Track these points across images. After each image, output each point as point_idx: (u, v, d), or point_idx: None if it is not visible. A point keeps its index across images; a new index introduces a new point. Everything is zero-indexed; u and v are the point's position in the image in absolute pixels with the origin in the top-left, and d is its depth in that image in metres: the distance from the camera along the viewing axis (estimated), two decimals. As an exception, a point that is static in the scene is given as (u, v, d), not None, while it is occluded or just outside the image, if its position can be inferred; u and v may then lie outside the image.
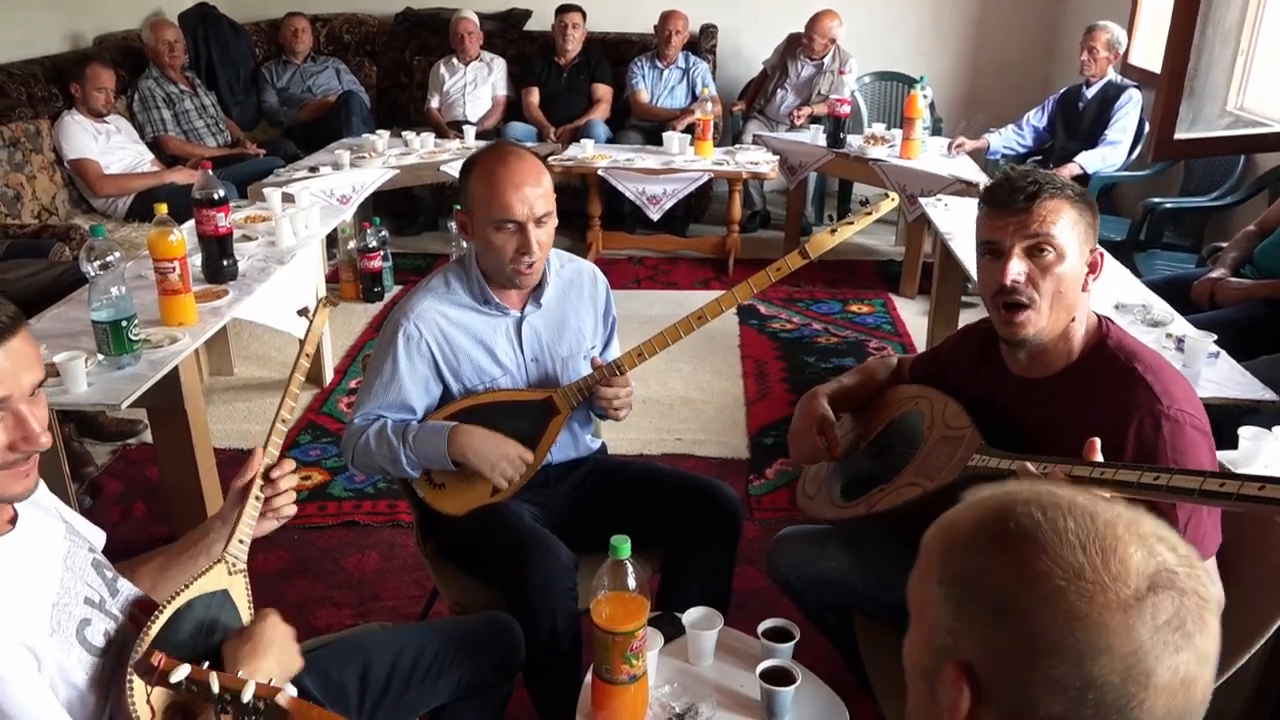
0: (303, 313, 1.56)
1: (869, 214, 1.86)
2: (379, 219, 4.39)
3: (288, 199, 3.39)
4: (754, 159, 4.66)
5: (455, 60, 5.40)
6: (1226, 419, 1.85)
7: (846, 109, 4.60)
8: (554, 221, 1.79)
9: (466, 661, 1.54)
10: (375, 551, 2.60)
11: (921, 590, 0.75)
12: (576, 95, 5.40)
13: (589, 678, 1.46)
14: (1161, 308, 2.49)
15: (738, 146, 5.01)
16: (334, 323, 3.87)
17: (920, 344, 3.89)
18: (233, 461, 2.78)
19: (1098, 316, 1.49)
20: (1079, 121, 4.39)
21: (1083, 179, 4.05)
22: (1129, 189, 4.55)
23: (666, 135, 4.76)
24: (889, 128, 4.72)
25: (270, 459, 1.37)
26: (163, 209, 2.35)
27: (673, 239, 5.02)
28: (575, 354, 1.93)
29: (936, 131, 5.00)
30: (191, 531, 1.38)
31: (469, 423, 1.80)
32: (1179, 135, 3.43)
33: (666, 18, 5.26)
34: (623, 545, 1.39)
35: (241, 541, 1.31)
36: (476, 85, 5.40)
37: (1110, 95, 4.29)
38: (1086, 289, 1.44)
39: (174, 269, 2.31)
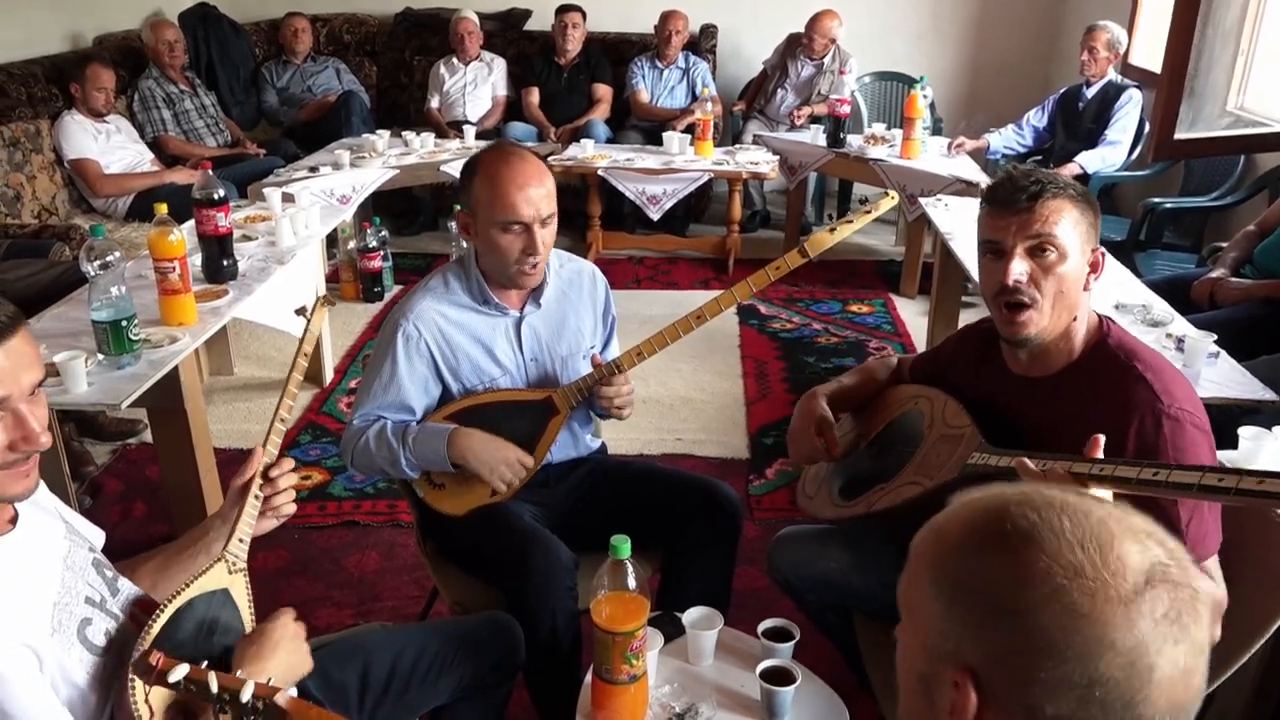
0: (300, 312, 1.56)
1: (868, 212, 1.86)
2: (379, 219, 4.39)
3: (288, 199, 3.39)
4: (754, 159, 4.66)
5: (455, 60, 5.40)
6: (1227, 419, 1.86)
7: (846, 109, 4.60)
8: (556, 221, 1.79)
9: (467, 661, 1.54)
10: (375, 551, 2.60)
11: (914, 596, 0.75)
12: (576, 95, 5.40)
13: (589, 678, 1.46)
14: (1161, 308, 2.49)
15: (738, 146, 5.01)
16: (334, 323, 3.87)
17: (920, 344, 3.89)
18: (233, 461, 2.78)
19: (1098, 316, 1.49)
20: (1079, 121, 4.39)
21: (1083, 179, 4.04)
22: (1129, 189, 4.55)
23: (666, 135, 4.76)
24: (889, 128, 4.72)
25: (269, 458, 1.37)
26: (163, 209, 2.35)
27: (673, 239, 5.02)
28: (575, 354, 1.93)
29: (937, 131, 5.01)
30: (191, 530, 1.38)
31: (468, 423, 1.80)
32: (1179, 135, 3.43)
33: (666, 18, 5.27)
34: (623, 545, 1.39)
35: (241, 540, 1.31)
36: (476, 85, 5.40)
37: (1110, 95, 4.29)
38: (1088, 289, 1.44)
39: (174, 269, 2.31)
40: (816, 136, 4.75)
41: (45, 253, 3.18)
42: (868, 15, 5.59)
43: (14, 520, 1.14)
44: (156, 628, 1.14)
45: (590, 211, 4.82)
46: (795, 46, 5.22)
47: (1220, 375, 2.14)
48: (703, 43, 5.59)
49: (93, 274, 2.09)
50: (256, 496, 1.35)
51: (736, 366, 3.73)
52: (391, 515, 2.75)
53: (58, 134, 4.14)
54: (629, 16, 5.67)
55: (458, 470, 1.78)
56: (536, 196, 1.72)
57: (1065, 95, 4.50)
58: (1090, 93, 4.37)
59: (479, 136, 4.90)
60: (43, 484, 1.18)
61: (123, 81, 4.60)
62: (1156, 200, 3.85)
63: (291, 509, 1.40)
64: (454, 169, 4.33)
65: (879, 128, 4.68)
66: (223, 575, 1.27)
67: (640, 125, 5.30)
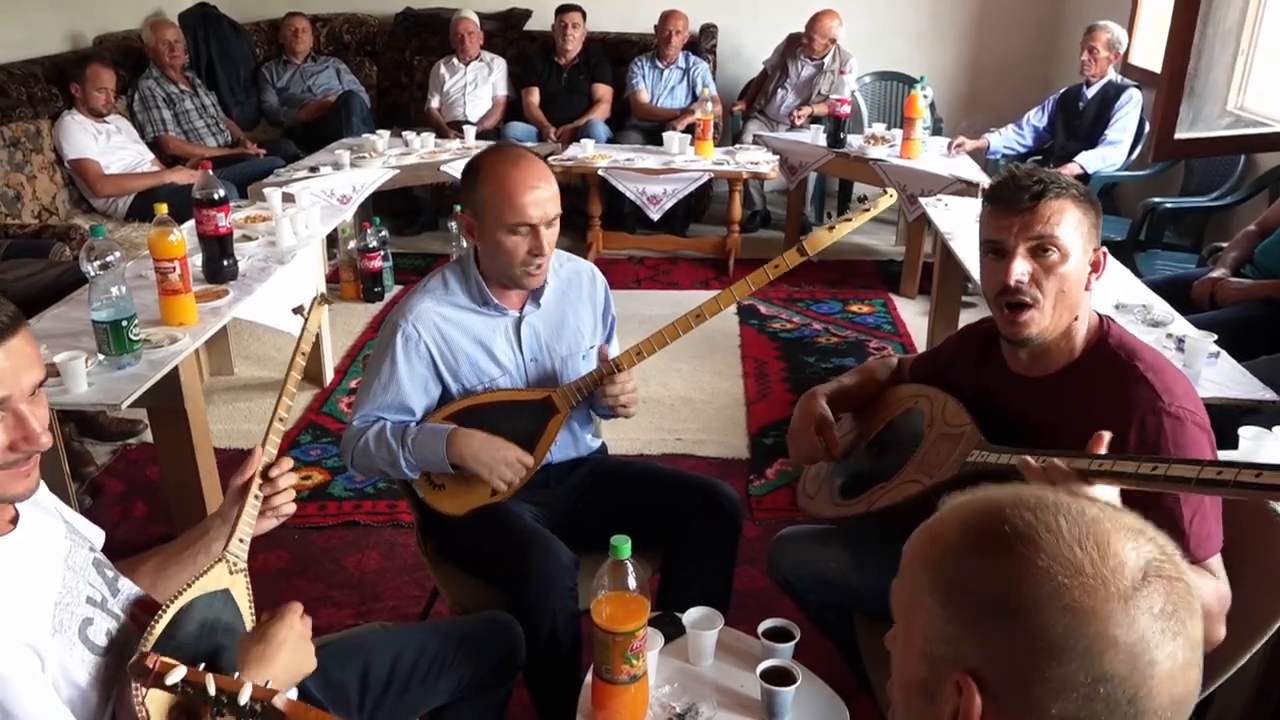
0: (298, 310, 1.56)
1: (866, 210, 1.86)
2: (379, 219, 4.39)
3: (288, 199, 3.39)
4: (754, 159, 4.66)
5: (455, 60, 5.40)
6: (1227, 419, 1.85)
7: (847, 109, 4.60)
8: (559, 222, 1.79)
9: (467, 661, 1.54)
10: (376, 551, 2.60)
11: (909, 601, 0.75)
12: (577, 95, 5.40)
13: (589, 678, 1.46)
14: (1162, 308, 2.49)
15: (738, 146, 5.01)
16: (334, 323, 3.88)
17: (921, 344, 3.89)
18: (233, 461, 2.78)
19: (1099, 315, 1.49)
20: (1079, 121, 4.39)
21: (1083, 179, 4.03)
22: (1129, 189, 4.55)
23: (667, 135, 4.76)
24: (889, 127, 4.72)
25: (269, 457, 1.37)
26: (163, 209, 2.35)
27: (673, 239, 5.02)
28: (574, 354, 1.92)
29: (937, 131, 5.01)
30: (191, 530, 1.37)
31: (468, 423, 1.80)
32: (1179, 135, 3.43)
33: (666, 18, 5.27)
34: (623, 545, 1.39)
35: (241, 540, 1.31)
36: (477, 85, 5.40)
37: (1110, 95, 4.29)
38: (1089, 288, 1.44)
39: (174, 269, 2.31)
40: (817, 136, 4.76)
41: (45, 253, 3.18)
42: (868, 15, 5.59)
43: (15, 520, 1.14)
44: (159, 629, 1.14)
45: (590, 211, 4.82)
46: (795, 46, 5.22)
47: (1220, 375, 2.14)
48: (703, 43, 5.59)
49: (93, 274, 2.09)
50: (256, 496, 1.34)
51: (737, 366, 3.73)
52: (392, 515, 2.75)
53: (58, 134, 4.14)
54: (629, 16, 5.67)
55: (457, 471, 1.78)
56: (544, 198, 1.72)
57: (1065, 95, 4.50)
58: (1090, 93, 4.37)
59: (479, 136, 4.90)
60: (43, 484, 1.18)
61: (123, 81, 4.60)
62: (1157, 200, 3.85)
63: (292, 509, 1.40)
64: (454, 169, 4.33)
65: (879, 128, 4.68)
66: (223, 575, 1.27)
67: (640, 125, 5.30)
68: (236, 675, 1.04)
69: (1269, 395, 2.06)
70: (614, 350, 2.00)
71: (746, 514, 2.07)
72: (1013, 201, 1.40)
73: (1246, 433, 1.80)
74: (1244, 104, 3.96)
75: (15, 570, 1.10)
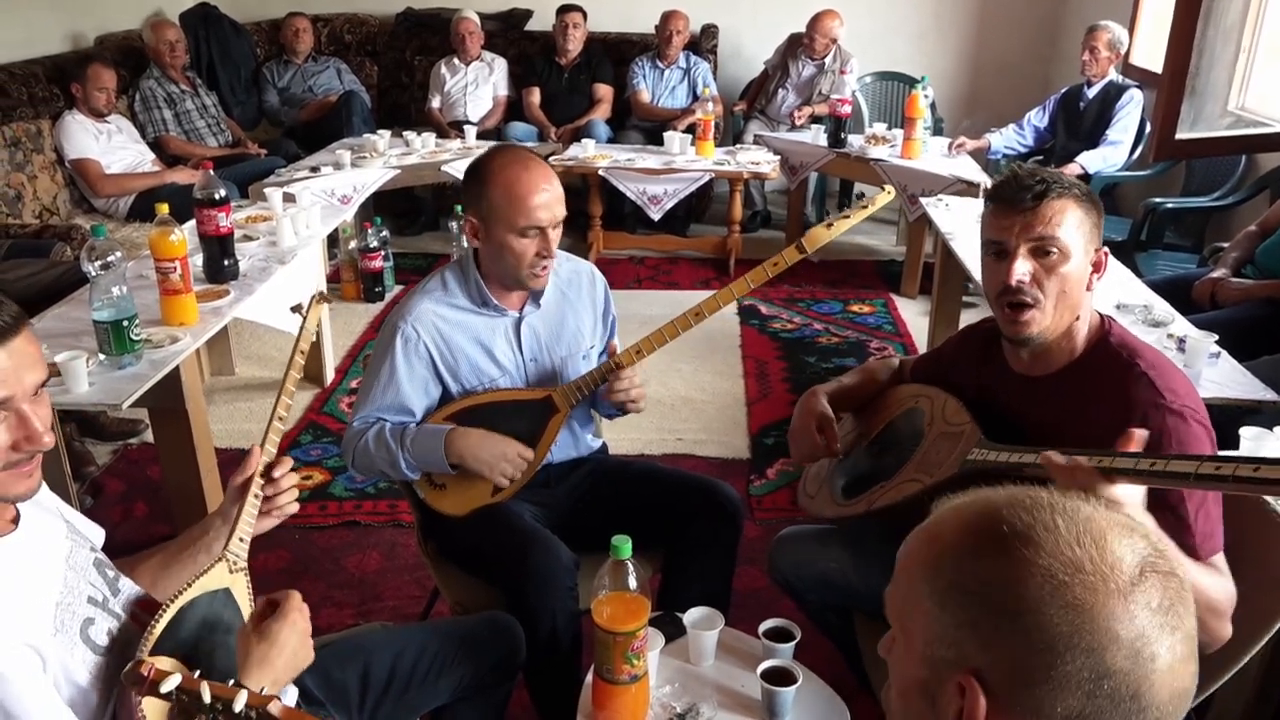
0: (296, 309, 1.56)
1: (865, 207, 1.86)
2: (380, 219, 4.39)
3: (289, 199, 3.39)
4: (755, 159, 4.66)
5: (456, 60, 5.40)
6: (1228, 419, 1.85)
7: (848, 109, 4.60)
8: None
9: (467, 661, 1.54)
10: (376, 551, 2.60)
11: (907, 605, 0.75)
12: (577, 95, 5.40)
13: (590, 677, 1.46)
14: (1163, 308, 2.49)
15: (739, 146, 5.01)
16: (335, 323, 3.88)
17: (921, 344, 3.89)
18: (234, 461, 2.77)
19: (1100, 315, 1.49)
20: (1080, 121, 4.39)
21: (1084, 179, 4.03)
22: (1130, 189, 4.55)
23: (667, 135, 4.76)
24: (890, 127, 4.72)
25: (269, 457, 1.37)
26: (164, 209, 2.35)
27: (674, 239, 5.02)
28: (574, 354, 1.92)
29: (938, 131, 5.01)
30: (190, 529, 1.37)
31: (468, 423, 1.80)
32: (1180, 135, 3.43)
33: (667, 18, 5.27)
34: (624, 545, 1.39)
35: (242, 539, 1.31)
36: (477, 85, 5.40)
37: (1111, 95, 4.29)
38: (1090, 288, 1.44)
39: (175, 269, 2.31)
40: (817, 136, 4.76)
41: (46, 253, 3.18)
42: (869, 15, 5.59)
43: (16, 520, 1.14)
44: (159, 628, 1.14)
45: (591, 211, 4.82)
46: (796, 46, 5.22)
47: (1221, 375, 2.14)
48: (704, 43, 5.59)
49: (94, 274, 2.09)
50: (256, 495, 1.34)
51: (737, 366, 3.73)
52: (392, 515, 2.75)
53: (59, 134, 4.14)
54: (630, 16, 5.67)
55: (457, 471, 1.78)
56: (553, 200, 1.73)
57: (1066, 95, 4.50)
58: (1091, 93, 4.37)
59: (480, 136, 4.91)
60: (44, 484, 1.19)
61: (124, 81, 4.61)
62: (1158, 200, 3.85)
63: (295, 508, 1.40)
64: (455, 169, 4.34)
65: (880, 128, 4.68)
66: (223, 575, 1.27)
67: (641, 125, 5.30)
68: (231, 682, 1.03)
69: (1270, 395, 2.06)
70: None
71: (747, 514, 2.07)
72: (1015, 201, 1.40)
73: (1247, 433, 1.80)
74: (1245, 104, 3.96)
75: (17, 570, 1.10)
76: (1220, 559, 1.33)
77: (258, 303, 2.66)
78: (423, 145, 4.60)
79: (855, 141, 4.64)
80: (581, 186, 4.88)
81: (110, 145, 4.25)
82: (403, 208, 5.20)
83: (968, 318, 3.54)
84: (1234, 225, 3.69)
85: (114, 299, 2.09)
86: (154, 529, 2.67)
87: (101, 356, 2.13)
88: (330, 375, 3.57)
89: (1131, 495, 1.14)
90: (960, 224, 3.27)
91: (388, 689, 1.47)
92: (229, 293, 2.59)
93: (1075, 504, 0.72)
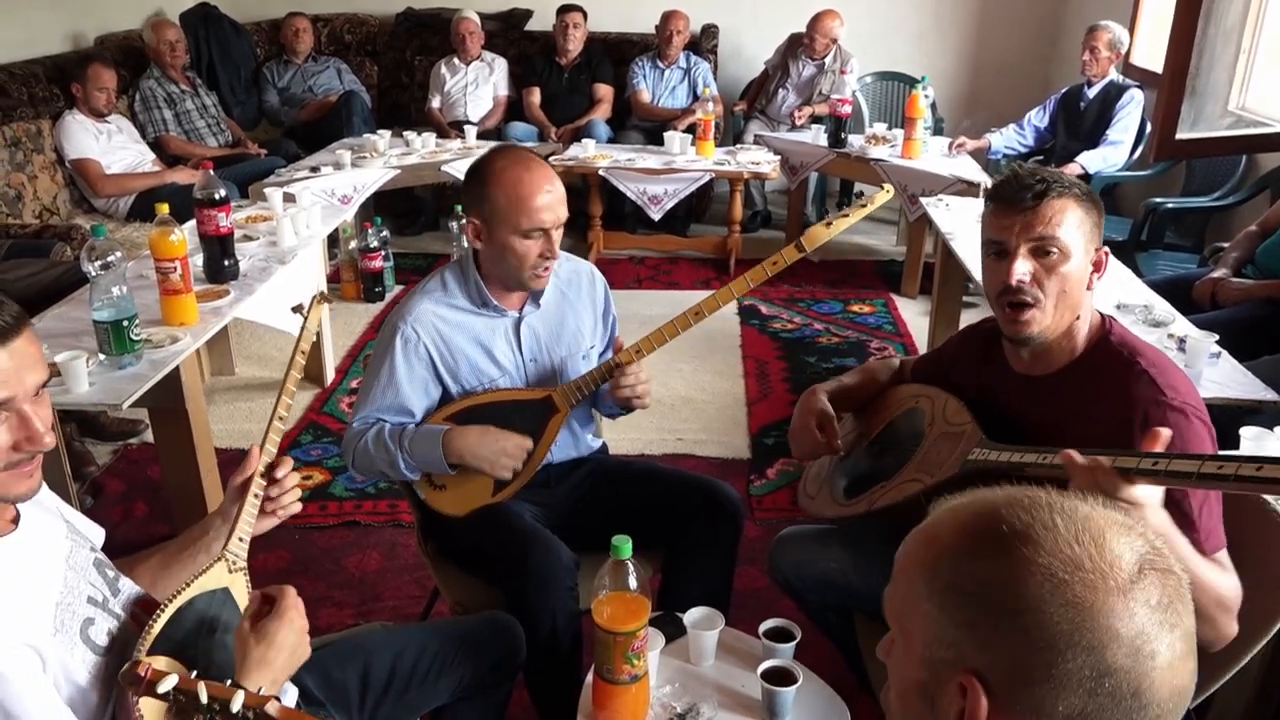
0: (297, 309, 1.56)
1: (864, 206, 1.85)
2: (380, 219, 4.39)
3: (289, 199, 3.39)
4: (755, 159, 4.65)
5: (456, 60, 5.40)
6: (1228, 419, 1.85)
7: (848, 109, 4.60)
8: None
9: (467, 661, 1.54)
10: (376, 551, 2.60)
11: (906, 606, 0.75)
12: (578, 95, 5.40)
13: (590, 677, 1.46)
14: (1163, 308, 2.49)
15: (739, 146, 5.01)
16: (335, 323, 3.88)
17: (922, 344, 3.89)
18: (234, 461, 2.77)
19: (1100, 314, 1.49)
20: (1080, 121, 4.39)
21: (1084, 179, 4.03)
22: (1131, 189, 4.55)
23: (668, 135, 4.76)
24: (890, 127, 4.73)
25: (269, 457, 1.37)
26: (164, 209, 2.35)
27: (674, 239, 5.02)
28: (574, 354, 1.92)
29: (938, 131, 5.01)
30: (190, 529, 1.37)
31: (468, 424, 1.80)
32: (1181, 135, 3.43)
33: (667, 18, 5.27)
34: (624, 545, 1.39)
35: (241, 539, 1.31)
36: (478, 85, 5.40)
37: (1112, 95, 4.29)
38: (1091, 288, 1.44)
39: (175, 269, 2.31)
40: (818, 136, 4.76)
41: (46, 253, 3.18)
42: (869, 15, 5.59)
43: (16, 520, 1.14)
44: (157, 627, 1.14)
45: (591, 211, 4.82)
46: (796, 46, 5.22)
47: (1222, 375, 2.14)
48: (704, 43, 5.59)
49: (94, 274, 2.09)
50: (256, 495, 1.34)
51: (738, 366, 3.73)
52: (392, 515, 2.75)
53: (59, 134, 4.14)
54: (630, 16, 5.67)
55: (457, 470, 1.78)
56: (555, 202, 1.73)
57: (1066, 95, 4.50)
58: (1092, 93, 4.37)
59: (480, 136, 4.91)
60: (44, 484, 1.18)
61: (124, 81, 4.61)
62: (1158, 200, 3.85)
63: (297, 507, 1.40)
64: (455, 169, 4.34)
65: (880, 128, 4.68)
66: (223, 574, 1.27)
67: (641, 125, 5.30)
68: (229, 682, 1.03)
69: (1270, 395, 2.06)
70: (616, 350, 2.01)
71: (747, 514, 2.07)
72: (1015, 201, 1.40)
73: (1248, 433, 1.80)
74: (1245, 104, 3.96)
75: (17, 570, 1.10)
76: (1224, 555, 1.33)
77: (258, 303, 2.66)
78: (423, 145, 4.60)
79: (855, 141, 4.64)
80: (582, 186, 4.88)
81: (110, 145, 4.25)
82: (403, 208, 5.20)
83: (968, 318, 3.54)
84: (1234, 225, 3.69)
85: (114, 299, 2.09)
86: (154, 529, 2.67)
87: (101, 356, 2.13)
88: (330, 375, 3.57)
89: (1152, 496, 1.14)
90: (960, 224, 3.27)
91: (388, 689, 1.47)
92: (229, 293, 2.59)
93: (1073, 503, 0.72)
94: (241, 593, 1.29)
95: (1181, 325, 2.39)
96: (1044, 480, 0.81)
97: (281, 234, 3.01)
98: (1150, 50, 4.85)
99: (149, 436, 3.00)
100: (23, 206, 3.90)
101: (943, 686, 0.71)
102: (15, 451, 1.07)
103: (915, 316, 4.21)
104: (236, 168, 4.49)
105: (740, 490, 2.46)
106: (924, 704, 0.73)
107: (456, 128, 5.11)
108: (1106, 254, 1.45)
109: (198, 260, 2.64)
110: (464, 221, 1.82)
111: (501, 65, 5.47)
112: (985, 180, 3.99)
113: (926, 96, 4.29)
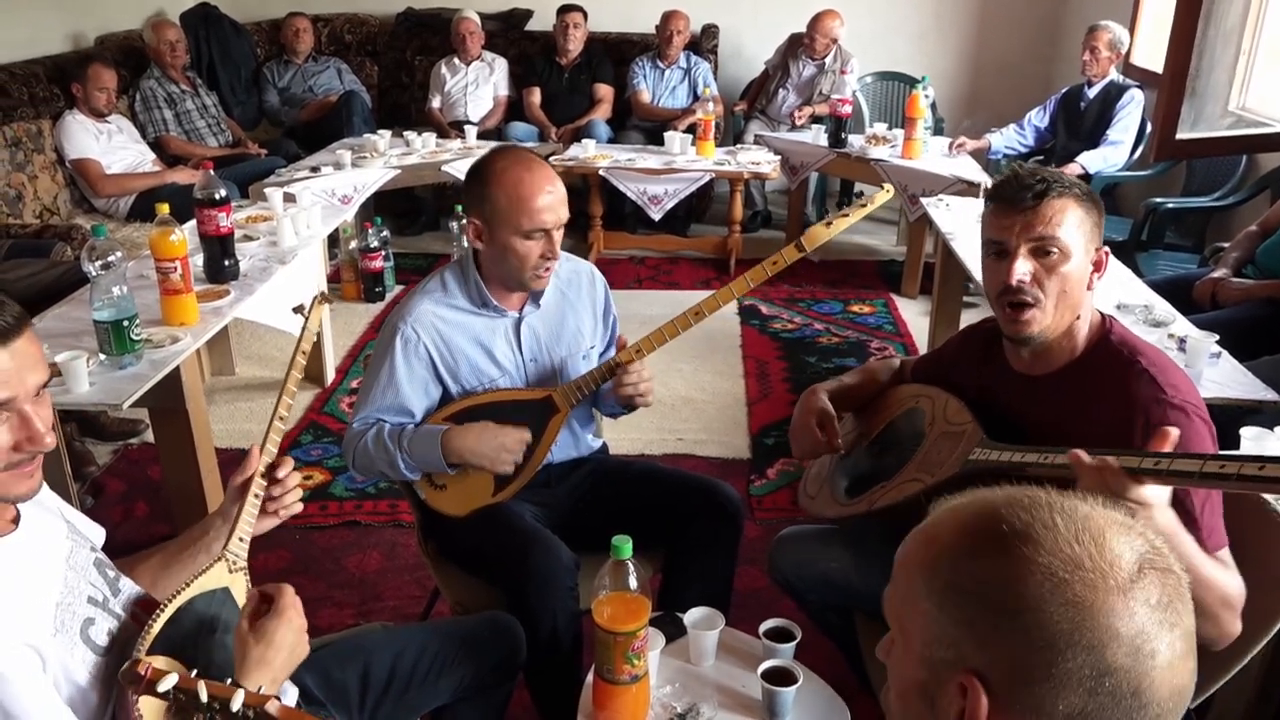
0: (298, 310, 1.56)
1: (864, 205, 1.86)
2: (380, 219, 4.39)
3: (289, 199, 3.39)
4: (755, 159, 4.65)
5: (457, 60, 5.40)
6: (1228, 419, 1.85)
7: (848, 109, 4.60)
8: None
9: (467, 661, 1.54)
10: (376, 551, 2.60)
11: (905, 607, 0.75)
12: (578, 95, 5.40)
13: (590, 678, 1.46)
14: (1163, 308, 2.49)
15: (739, 146, 5.01)
16: (335, 323, 3.88)
17: (922, 344, 3.89)
18: (234, 461, 2.77)
19: (1100, 314, 1.49)
20: (1081, 121, 4.39)
21: (1084, 179, 4.03)
22: (1131, 189, 4.55)
23: (668, 135, 4.76)
24: (890, 128, 4.73)
25: (270, 457, 1.37)
26: (164, 209, 2.35)
27: (674, 239, 5.02)
28: (574, 354, 1.92)
29: (938, 131, 5.01)
30: (191, 529, 1.37)
31: (467, 424, 1.80)
32: (1181, 135, 3.43)
33: (668, 18, 5.27)
34: (624, 545, 1.39)
35: (241, 539, 1.31)
36: (478, 85, 5.40)
37: (1112, 95, 4.29)
38: (1091, 288, 1.44)
39: (175, 269, 2.31)
40: (818, 136, 4.76)
41: (47, 253, 3.18)
42: (869, 15, 5.59)
43: (16, 520, 1.14)
44: (157, 627, 1.14)
45: (591, 212, 4.82)
46: (797, 46, 5.22)
47: (1222, 375, 2.14)
48: (704, 43, 5.59)
49: (94, 274, 2.09)
50: (256, 495, 1.34)
51: (738, 366, 3.73)
52: (393, 515, 2.75)
53: (59, 134, 4.14)
54: (630, 16, 5.67)
55: (457, 471, 1.78)
56: (556, 202, 1.73)
57: (1067, 95, 4.50)
58: (1092, 93, 4.37)
59: (480, 136, 4.91)
60: (45, 484, 1.18)
61: (124, 81, 4.61)
62: (1158, 200, 3.85)
63: (299, 507, 1.41)
64: (455, 169, 4.34)
65: (880, 128, 4.68)
66: (223, 574, 1.27)
67: (642, 125, 5.30)
68: (229, 681, 1.03)
69: (1270, 395, 2.06)
70: (615, 349, 2.00)
71: (747, 514, 2.07)
72: (1015, 201, 1.40)
73: (1248, 433, 1.80)
74: (1245, 104, 3.96)
75: (17, 570, 1.10)
76: (1226, 554, 1.33)
77: (258, 303, 2.66)
78: (423, 145, 4.60)
79: (856, 141, 4.64)
80: (582, 187, 4.88)
81: (111, 145, 4.25)
82: (403, 208, 5.20)
83: (968, 318, 3.54)
84: (1234, 225, 3.69)
85: (114, 299, 2.09)
86: (154, 529, 2.67)
87: (102, 356, 2.13)
88: (331, 375, 3.57)
89: (1160, 496, 1.14)
90: (961, 224, 3.27)
91: (388, 689, 1.47)
92: (229, 293, 2.59)
93: (1073, 502, 0.72)
94: (242, 593, 1.29)
95: (1182, 325, 2.39)
96: (1045, 480, 0.81)
97: (282, 234, 3.01)
98: (1150, 50, 4.85)
99: (149, 436, 3.00)
100: (23, 206, 3.90)
101: (943, 686, 0.71)
102: (16, 452, 1.07)
103: (915, 316, 4.21)
104: (237, 168, 4.49)
105: (740, 490, 2.46)
106: (924, 704, 0.73)
107: (457, 128, 5.11)
108: (1107, 254, 1.45)
109: (198, 260, 2.65)
110: (464, 221, 1.82)
111: (502, 65, 5.47)
112: (985, 180, 3.99)
113: (927, 96, 4.29)
